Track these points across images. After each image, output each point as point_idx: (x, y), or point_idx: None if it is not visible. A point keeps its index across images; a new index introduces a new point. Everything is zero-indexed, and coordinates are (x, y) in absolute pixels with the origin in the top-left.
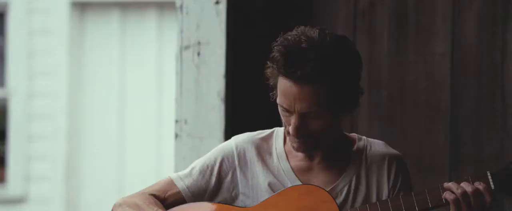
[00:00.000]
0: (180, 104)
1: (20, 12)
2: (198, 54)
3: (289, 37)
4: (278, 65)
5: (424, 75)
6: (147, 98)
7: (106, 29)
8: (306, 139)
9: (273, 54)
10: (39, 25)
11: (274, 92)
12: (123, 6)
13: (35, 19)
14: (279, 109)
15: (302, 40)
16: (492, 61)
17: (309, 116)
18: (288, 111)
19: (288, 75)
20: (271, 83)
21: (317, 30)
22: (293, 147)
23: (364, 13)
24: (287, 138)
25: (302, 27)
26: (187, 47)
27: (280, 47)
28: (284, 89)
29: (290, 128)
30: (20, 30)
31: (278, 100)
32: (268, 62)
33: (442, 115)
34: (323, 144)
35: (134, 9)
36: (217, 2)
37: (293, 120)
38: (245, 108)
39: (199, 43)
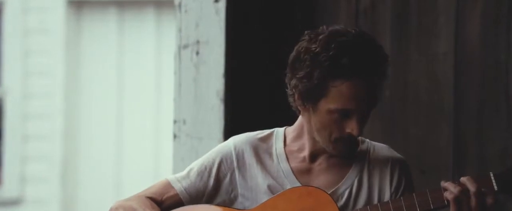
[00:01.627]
0: (179, 104)
1: (16, 11)
2: (197, 53)
3: (341, 39)
4: (342, 68)
5: (426, 75)
6: (145, 98)
7: (103, 28)
8: (355, 139)
9: (331, 54)
10: (35, 24)
11: (301, 101)
12: (121, 4)
13: (31, 18)
14: (330, 116)
15: (357, 38)
16: (495, 61)
17: (367, 113)
18: (347, 114)
19: (360, 74)
20: (316, 88)
21: (355, 28)
22: (340, 151)
23: (366, 12)
24: (326, 142)
25: (336, 27)
26: (185, 46)
27: (336, 50)
28: (352, 91)
29: (354, 129)
30: (16, 29)
31: (336, 105)
32: (308, 73)
33: (445, 115)
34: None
35: (131, 7)
36: (216, 1)
37: (354, 122)
38: (244, 108)
39: (198, 42)
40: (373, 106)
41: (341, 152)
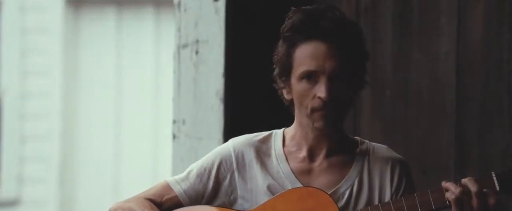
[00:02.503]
0: (178, 104)
1: (13, 10)
2: (197, 52)
3: (303, 7)
4: (300, 28)
5: (428, 75)
6: (144, 97)
7: (102, 27)
8: (332, 109)
9: (289, 24)
10: (32, 23)
11: (280, 81)
12: (119, 4)
13: (28, 17)
14: (300, 87)
15: (319, 7)
16: (498, 61)
17: (337, 79)
18: (313, 78)
19: (315, 34)
20: (284, 64)
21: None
22: (318, 127)
23: (367, 11)
24: (307, 120)
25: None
26: (185, 46)
27: (297, 14)
28: (310, 51)
29: (322, 92)
30: (13, 28)
31: (300, 70)
32: (280, 50)
33: (447, 116)
34: (342, 119)
35: (130, 6)
36: (216, 0)
37: (321, 86)
38: (244, 108)
39: (197, 41)
40: (337, 69)
41: (320, 127)
